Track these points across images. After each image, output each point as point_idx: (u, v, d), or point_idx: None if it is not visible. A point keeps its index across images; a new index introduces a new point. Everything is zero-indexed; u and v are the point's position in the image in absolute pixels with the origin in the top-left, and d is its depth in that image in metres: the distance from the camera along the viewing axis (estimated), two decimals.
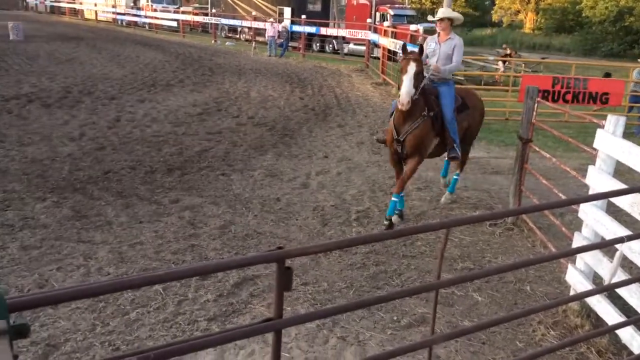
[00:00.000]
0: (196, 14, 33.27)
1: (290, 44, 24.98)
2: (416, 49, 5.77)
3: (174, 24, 32.64)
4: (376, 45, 20.40)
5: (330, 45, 26.18)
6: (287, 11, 27.63)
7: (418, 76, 5.34)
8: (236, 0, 31.11)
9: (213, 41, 28.04)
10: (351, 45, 24.40)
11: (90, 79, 14.46)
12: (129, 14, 36.99)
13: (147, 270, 4.58)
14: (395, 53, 16.33)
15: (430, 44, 6.10)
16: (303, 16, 24.63)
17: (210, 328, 3.77)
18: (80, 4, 43.90)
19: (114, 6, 39.34)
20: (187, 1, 41.85)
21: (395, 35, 17.88)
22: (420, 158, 5.71)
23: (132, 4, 38.74)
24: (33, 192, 6.26)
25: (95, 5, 40.74)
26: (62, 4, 46.58)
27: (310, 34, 24.81)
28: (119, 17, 38.09)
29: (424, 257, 5.14)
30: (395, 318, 4.06)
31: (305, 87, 15.15)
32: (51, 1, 48.21)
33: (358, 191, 6.94)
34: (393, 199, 5.71)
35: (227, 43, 27.64)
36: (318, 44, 26.45)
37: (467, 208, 6.53)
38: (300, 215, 6.05)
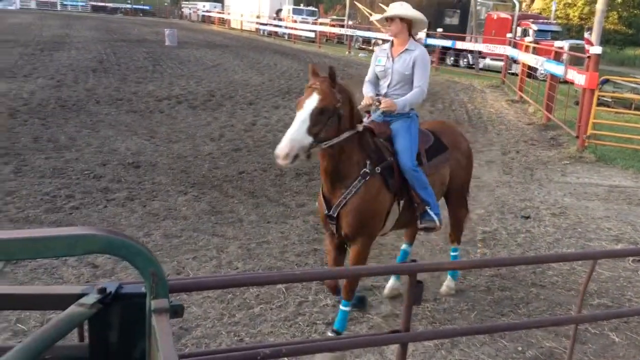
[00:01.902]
0: (333, 26, 34.23)
1: None
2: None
3: (312, 34, 33.88)
4: (515, 61, 19.53)
5: (465, 60, 25.52)
6: None
7: (321, 115, 3.34)
8: (372, 13, 31.52)
9: (347, 52, 28.65)
10: (487, 61, 23.59)
11: (232, 84, 15.45)
12: (270, 24, 39.03)
13: (272, 269, 4.79)
14: (535, 70, 15.52)
15: (379, 59, 4.07)
16: (439, 30, 24.30)
17: (327, 332, 3.84)
18: (228, 14, 47.21)
19: (257, 17, 41.77)
20: (325, 13, 43.23)
21: (537, 52, 16.99)
22: (368, 239, 3.77)
23: (274, 15, 40.88)
24: (177, 185, 6.82)
25: (242, 15, 43.53)
26: (212, 14, 50.42)
27: (444, 48, 24.39)
28: (261, 27, 40.36)
29: (555, 288, 4.80)
30: (520, 349, 3.84)
31: (435, 101, 14.91)
32: (203, 11, 52.39)
33: (485, 211, 6.68)
34: (342, 308, 3.73)
35: (360, 54, 28.09)
36: (452, 58, 25.91)
37: (607, 240, 6.00)
38: (420, 233, 5.94)
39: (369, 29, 30.30)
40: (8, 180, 6.51)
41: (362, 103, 3.91)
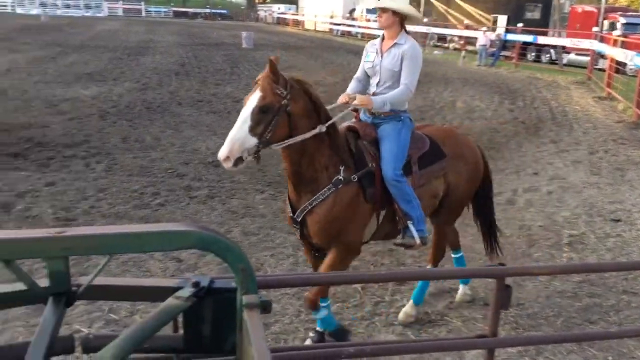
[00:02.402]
0: None
1: (503, 53, 23.90)
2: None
3: None
4: (602, 55, 18.46)
5: (547, 55, 24.38)
6: (502, 19, 26.52)
7: (263, 114, 3.05)
8: (449, 10, 30.85)
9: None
10: (571, 56, 22.43)
11: None
12: (344, 24, 39.14)
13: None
14: (624, 65, 14.59)
15: (368, 55, 3.72)
16: (519, 24, 23.39)
17: (405, 333, 3.80)
18: (302, 15, 47.83)
19: (331, 17, 42.02)
20: None
21: (626, 46, 15.96)
22: (344, 251, 3.44)
23: (347, 15, 40.96)
24: (254, 184, 6.99)
25: (315, 16, 43.95)
26: (286, 16, 51.27)
27: (525, 43, 23.44)
28: (334, 27, 40.56)
29: None
30: (610, 358, 3.62)
31: (515, 99, 14.36)
32: (278, 13, 53.39)
33: (572, 214, 6.35)
34: (318, 315, 3.49)
35: (434, 52, 27.57)
36: (533, 54, 24.84)
37: None
38: (504, 233, 5.74)
39: (445, 26, 29.67)
40: (100, 177, 6.93)
41: (337, 101, 3.58)
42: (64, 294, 1.07)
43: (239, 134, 3.07)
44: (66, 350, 1.16)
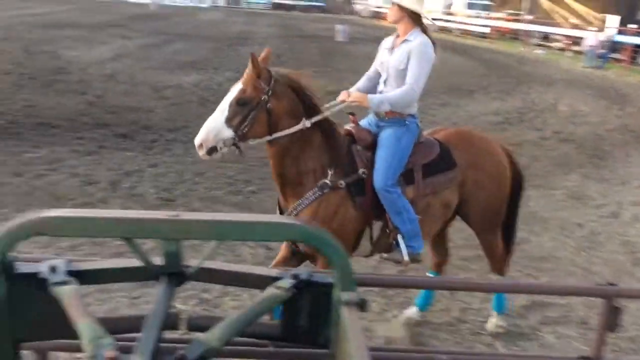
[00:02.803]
0: (509, 20, 32.48)
1: (612, 55, 22.34)
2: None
3: (486, 29, 32.49)
4: None
5: None
6: (613, 19, 24.74)
7: (241, 107, 3.02)
8: (555, 8, 29.25)
9: (522, 48, 26.98)
10: None
11: None
12: (441, 19, 38.27)
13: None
14: None
15: (382, 51, 3.50)
16: (632, 25, 21.74)
17: (493, 344, 3.67)
18: None
19: (428, 12, 41.24)
20: (499, 7, 41.19)
21: None
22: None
23: (445, 10, 39.99)
24: None
25: None
26: (383, 9, 50.93)
27: (637, 46, 21.75)
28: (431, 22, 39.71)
29: None
30: None
31: (624, 104, 13.40)
32: (375, 7, 53.17)
33: None
34: None
35: (536, 51, 26.27)
36: None
37: None
38: (606, 248, 5.39)
39: (550, 24, 28.18)
40: (197, 162, 7.23)
41: (337, 99, 3.37)
42: (175, 274, 1.12)
43: (214, 123, 3.04)
44: (172, 326, 1.22)
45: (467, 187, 3.51)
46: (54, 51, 15.94)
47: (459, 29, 34.86)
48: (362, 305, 1.40)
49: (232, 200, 5.99)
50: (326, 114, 3.22)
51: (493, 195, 3.62)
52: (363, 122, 3.47)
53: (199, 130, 3.07)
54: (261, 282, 1.26)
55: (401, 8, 3.34)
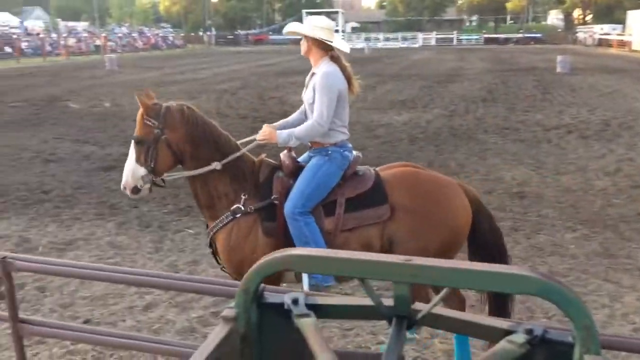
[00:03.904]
0: None
1: None
2: None
3: None
4: None
5: None
6: None
7: (140, 145, 3.24)
8: None
9: None
10: None
11: (631, 112, 13.75)
12: None
13: None
14: None
15: (308, 81, 3.45)
16: None
17: None
18: (630, 35, 42.41)
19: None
20: None
21: None
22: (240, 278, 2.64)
23: None
24: (564, 221, 6.43)
25: None
26: (610, 37, 46.22)
27: None
28: None
29: None
30: None
31: None
32: (600, 34, 48.56)
33: None
34: None
35: None
36: None
37: None
38: None
39: None
40: None
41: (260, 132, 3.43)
42: (405, 317, 1.15)
43: (129, 165, 3.30)
44: None
45: (397, 231, 3.22)
46: (282, 96, 17.84)
47: None
48: None
49: None
50: (243, 151, 3.36)
51: (430, 247, 3.18)
52: (306, 153, 3.50)
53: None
54: (491, 333, 1.21)
55: (307, 38, 3.32)
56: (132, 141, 3.32)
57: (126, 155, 3.44)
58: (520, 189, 7.71)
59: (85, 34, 54.47)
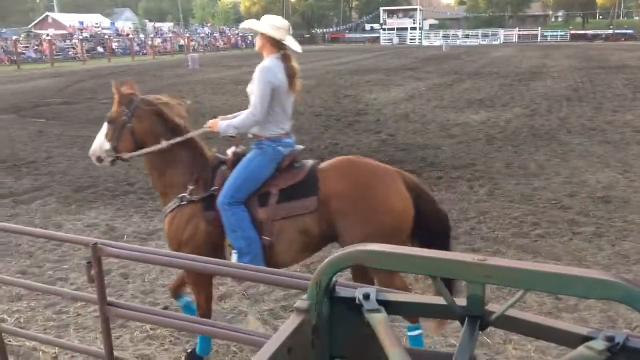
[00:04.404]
0: None
1: None
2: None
3: None
4: None
5: None
6: None
7: (110, 125, 3.65)
8: None
9: None
10: None
11: None
12: None
13: None
14: None
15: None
16: None
17: None
18: None
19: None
20: None
21: None
22: (190, 272, 3.46)
23: None
24: None
25: None
26: None
27: None
28: None
29: None
30: None
31: None
32: None
33: None
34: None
35: None
36: None
37: None
38: None
39: None
40: (482, 201, 7.16)
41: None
42: (478, 318, 1.13)
43: (99, 137, 3.71)
44: None
45: (338, 218, 3.35)
46: (356, 95, 17.86)
47: None
48: None
49: (517, 243, 5.71)
50: (188, 136, 3.60)
51: (374, 232, 3.26)
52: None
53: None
54: (569, 339, 1.17)
55: (262, 36, 3.50)
56: (107, 117, 3.69)
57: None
58: (605, 193, 7.30)
59: (170, 35, 56.98)
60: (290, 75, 3.53)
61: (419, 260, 1.08)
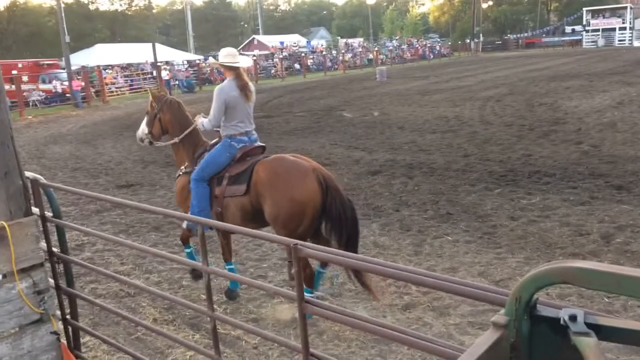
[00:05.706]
0: None
1: None
2: None
3: None
4: None
5: None
6: None
7: (147, 116, 5.40)
8: None
9: None
10: None
11: None
12: None
13: None
14: None
15: None
16: None
17: None
18: None
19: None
20: None
21: None
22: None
23: None
24: None
25: None
26: None
27: None
28: None
29: None
30: None
31: None
32: None
33: None
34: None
35: None
36: None
37: None
38: None
39: None
40: None
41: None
42: None
43: (142, 124, 5.41)
44: None
45: (261, 200, 4.46)
46: (553, 102, 16.57)
47: None
48: None
49: None
50: (188, 130, 5.12)
51: (280, 213, 4.36)
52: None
53: None
54: None
55: (221, 65, 4.85)
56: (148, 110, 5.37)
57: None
58: None
59: (360, 49, 59.09)
60: (241, 88, 4.74)
61: (634, 280, 0.97)
